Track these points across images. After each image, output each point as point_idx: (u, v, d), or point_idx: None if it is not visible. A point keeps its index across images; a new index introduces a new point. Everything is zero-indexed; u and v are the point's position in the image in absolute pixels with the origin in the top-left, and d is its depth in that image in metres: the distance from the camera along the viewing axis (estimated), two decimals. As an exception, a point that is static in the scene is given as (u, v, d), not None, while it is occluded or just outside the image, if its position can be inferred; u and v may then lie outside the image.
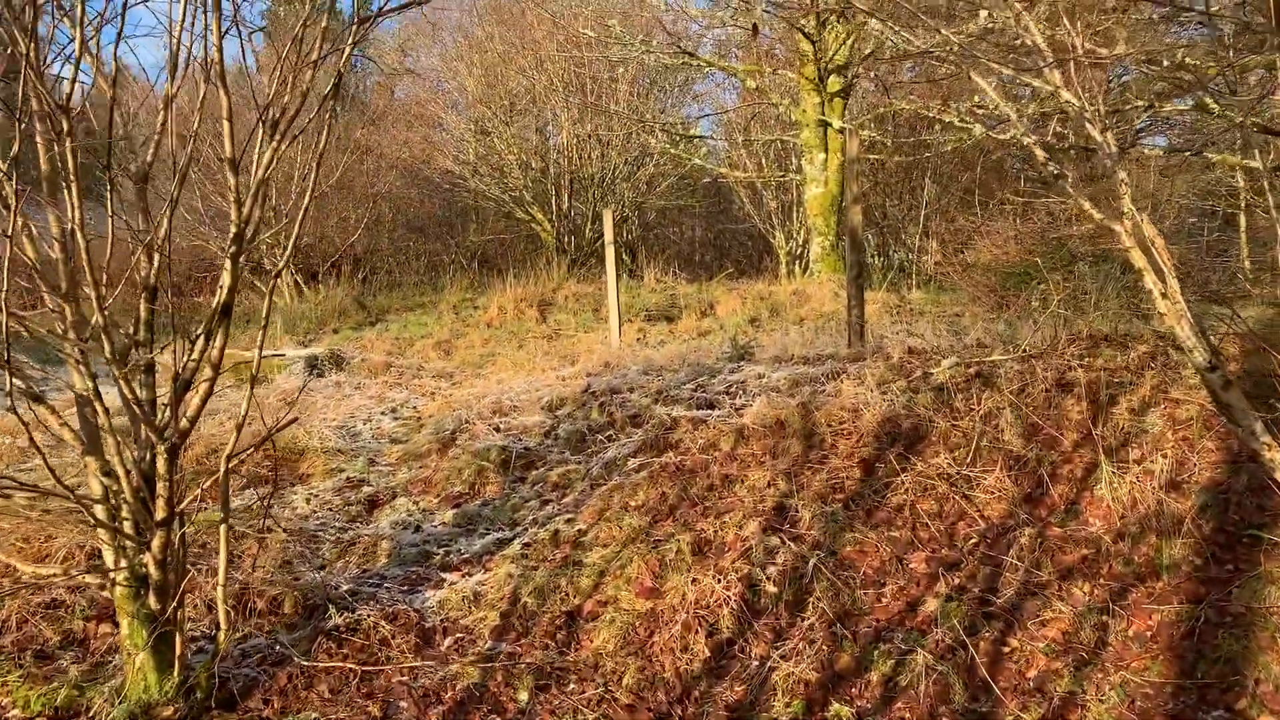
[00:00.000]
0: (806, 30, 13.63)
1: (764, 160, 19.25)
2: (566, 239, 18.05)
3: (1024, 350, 5.39)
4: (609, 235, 8.96)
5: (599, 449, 5.40)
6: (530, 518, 4.72)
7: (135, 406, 3.26)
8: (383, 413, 6.85)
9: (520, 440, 5.68)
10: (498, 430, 5.82)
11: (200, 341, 3.52)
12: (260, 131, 3.29)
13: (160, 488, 3.25)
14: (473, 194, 18.80)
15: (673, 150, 16.56)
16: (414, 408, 7.09)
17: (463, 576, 4.21)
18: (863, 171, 7.10)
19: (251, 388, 3.43)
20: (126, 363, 3.65)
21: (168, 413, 3.39)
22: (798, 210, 19.51)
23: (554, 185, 17.92)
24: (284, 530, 4.51)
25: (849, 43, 14.27)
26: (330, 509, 5.06)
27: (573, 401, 6.21)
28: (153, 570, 3.28)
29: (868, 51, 14.47)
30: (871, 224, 21.19)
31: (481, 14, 18.97)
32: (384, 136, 18.05)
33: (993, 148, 17.74)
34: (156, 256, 3.56)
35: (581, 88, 17.04)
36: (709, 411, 5.46)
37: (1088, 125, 4.17)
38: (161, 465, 3.26)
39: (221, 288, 3.35)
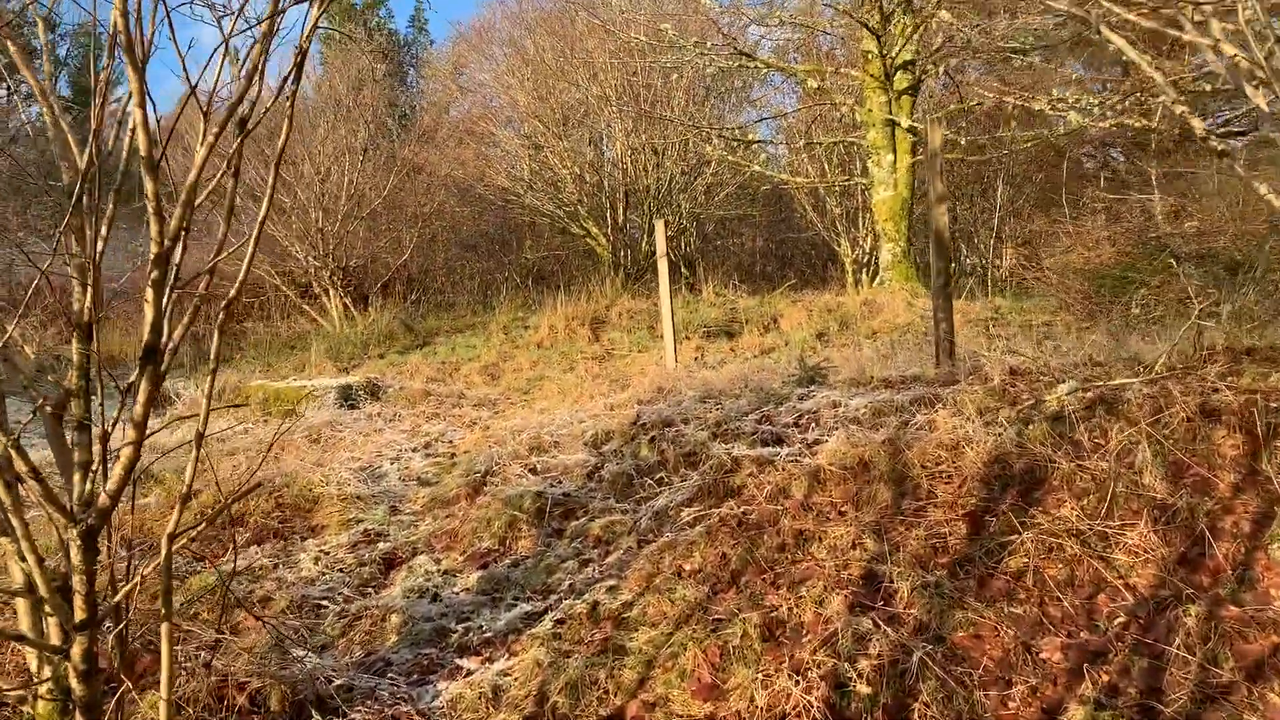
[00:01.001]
0: (871, 25, 12.70)
1: (826, 165, 18.34)
2: (622, 253, 17.32)
3: (1159, 369, 4.44)
4: (661, 248, 8.17)
5: (648, 495, 4.59)
6: (566, 583, 3.93)
7: (34, 478, 2.55)
8: (414, 449, 6.14)
9: (559, 483, 4.90)
10: (534, 471, 5.05)
11: (141, 391, 2.79)
12: (203, 126, 2.57)
13: (77, 582, 2.54)
14: (527, 210, 18.21)
15: (730, 158, 15.73)
16: (450, 441, 6.38)
17: (482, 663, 3.43)
18: (938, 172, 6.20)
19: (198, 447, 2.70)
20: (62, 418, 2.93)
21: (96, 482, 2.68)
22: (863, 216, 18.53)
23: (608, 198, 17.22)
24: (257, 616, 3.78)
25: (916, 36, 13.30)
26: (341, 570, 4.33)
27: (620, 435, 5.42)
28: (75, 684, 2.57)
29: (936, 46, 13.49)
30: (958, 232, 20.05)
31: (532, 26, 18.40)
32: (436, 154, 17.57)
33: (1073, 145, 16.56)
34: (90, 286, 2.84)
35: (635, 97, 16.32)
36: (777, 449, 4.61)
37: (1246, 88, 3.24)
38: (76, 555, 2.54)
39: (144, 325, 2.62)
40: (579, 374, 8.64)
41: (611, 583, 3.80)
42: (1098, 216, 11.07)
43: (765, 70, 15.54)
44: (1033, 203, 20.39)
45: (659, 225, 8.22)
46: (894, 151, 13.49)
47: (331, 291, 13.03)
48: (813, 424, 4.89)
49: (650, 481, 4.68)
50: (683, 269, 20.79)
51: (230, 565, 4.36)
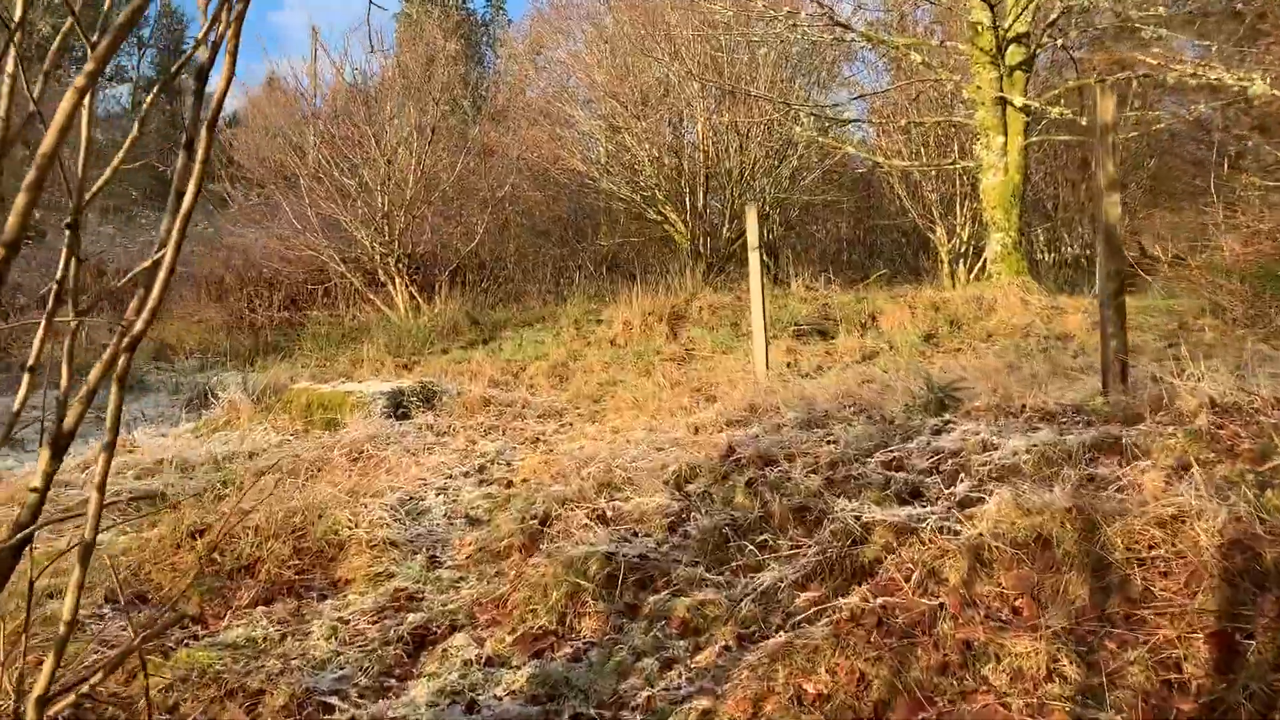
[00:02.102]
0: (984, -9, 11.34)
1: (921, 147, 16.94)
2: (701, 240, 16.21)
3: None
4: (753, 238, 7.08)
5: (749, 563, 3.54)
6: (643, 694, 2.91)
7: None
8: (466, 473, 5.20)
9: (634, 538, 3.89)
10: (603, 520, 4.04)
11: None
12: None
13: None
14: (602, 194, 17.25)
15: (822, 139, 14.47)
16: (507, 464, 5.43)
17: (526, 827, 2.45)
18: (1109, 150, 4.99)
19: (83, 565, 1.75)
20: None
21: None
22: (962, 204, 17.08)
23: (688, 182, 16.13)
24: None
25: (1031, 5, 11.88)
26: (361, 648, 3.39)
27: (709, 472, 4.38)
28: None
29: (1053, 16, 12.02)
30: (1041, 216, 18.48)
31: (611, 1, 17.36)
32: (509, 136, 16.70)
33: (1190, 130, 14.85)
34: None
35: (719, 73, 15.18)
36: (917, 509, 3.52)
37: None
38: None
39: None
40: (656, 380, 7.62)
41: (705, 703, 2.77)
42: (1252, 207, 9.59)
43: (859, 45, 14.26)
44: (1144, 189, 18.65)
45: (750, 212, 7.12)
46: (1005, 132, 12.11)
47: (397, 279, 12.25)
48: (960, 473, 3.78)
49: (750, 545, 3.63)
50: (764, 258, 19.58)
51: (223, 634, 3.46)
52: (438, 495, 4.75)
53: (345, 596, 3.83)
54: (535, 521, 4.14)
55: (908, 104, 15.39)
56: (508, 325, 10.92)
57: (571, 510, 4.10)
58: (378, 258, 12.25)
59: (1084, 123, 11.94)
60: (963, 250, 17.22)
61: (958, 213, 17.08)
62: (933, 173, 16.82)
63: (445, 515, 4.54)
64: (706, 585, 3.44)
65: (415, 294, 12.32)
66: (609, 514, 4.10)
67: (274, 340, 10.88)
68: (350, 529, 4.18)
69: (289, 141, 12.61)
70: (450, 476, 5.11)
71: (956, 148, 16.55)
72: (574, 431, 6.04)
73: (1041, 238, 18.68)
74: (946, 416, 4.58)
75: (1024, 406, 4.51)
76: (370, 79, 13.45)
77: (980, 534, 3.19)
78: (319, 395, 6.43)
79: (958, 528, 3.28)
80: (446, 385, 7.29)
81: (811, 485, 3.89)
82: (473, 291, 13.63)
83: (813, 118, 15.38)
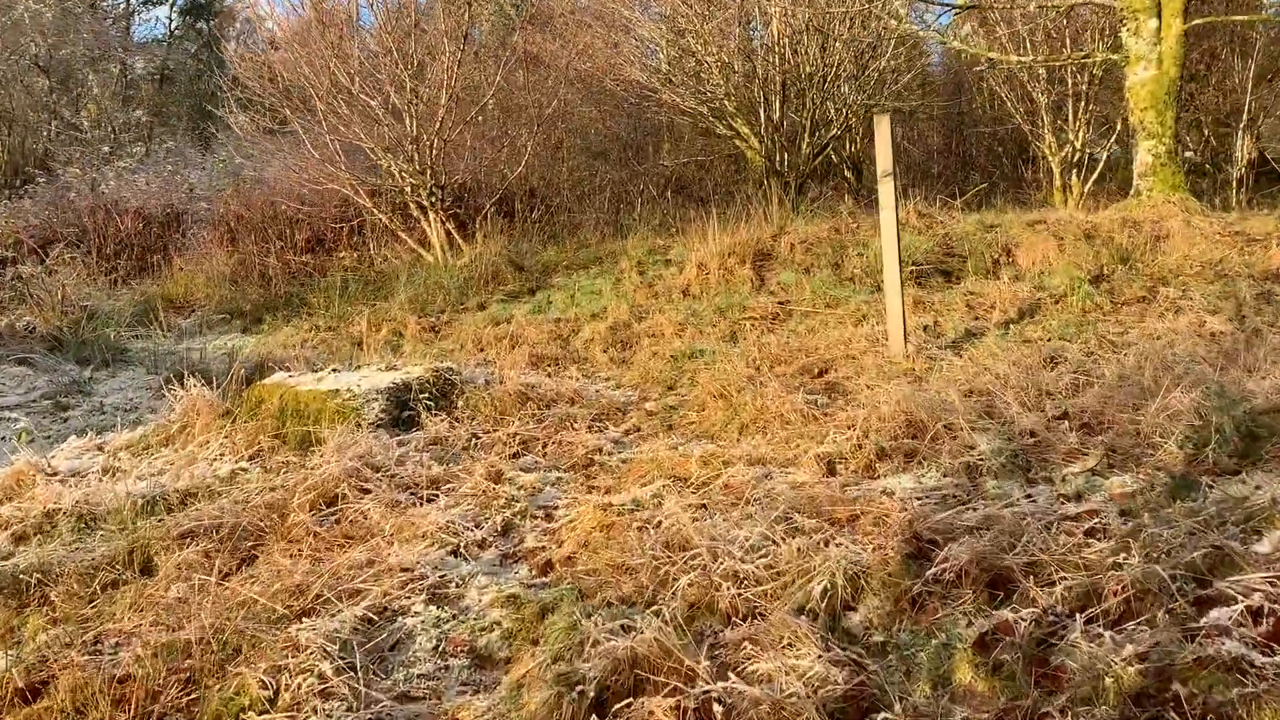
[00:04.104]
0: None
1: (1028, 42, 14.31)
2: (778, 157, 13.88)
3: None
4: (885, 161, 4.94)
5: None
6: None
7: None
8: (481, 541, 3.31)
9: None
10: (704, 715, 2.12)
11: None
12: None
13: None
14: (664, 108, 14.94)
15: (925, 34, 11.94)
16: (546, 516, 3.53)
17: None
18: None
19: None
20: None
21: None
22: (1075, 106, 14.50)
23: (762, 90, 13.71)
24: None
25: None
26: None
27: (887, 596, 2.42)
28: None
29: None
30: (1191, 121, 15.68)
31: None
32: (557, 44, 14.42)
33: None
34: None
35: (799, -42, 12.63)
36: None
37: None
38: None
39: None
40: (747, 350, 5.62)
41: None
42: None
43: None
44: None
45: (882, 123, 4.94)
46: (1158, 14, 9.53)
47: (431, 215, 10.30)
48: None
49: None
50: (847, 172, 17.15)
51: None
52: (428, 603, 2.87)
53: None
54: (583, 698, 2.24)
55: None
56: (558, 269, 8.93)
57: (648, 690, 2.18)
58: (408, 189, 10.29)
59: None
60: (1075, 159, 14.67)
61: (1070, 117, 14.49)
62: (1041, 73, 14.21)
63: (436, 649, 2.66)
64: None
65: (453, 231, 10.36)
66: (719, 696, 2.16)
67: (289, 292, 9.07)
68: (264, 709, 2.33)
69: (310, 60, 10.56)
70: (456, 552, 3.22)
71: (1067, 41, 13.90)
72: (643, 448, 4.10)
73: (1193, 145, 15.93)
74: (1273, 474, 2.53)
75: None
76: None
77: None
78: (295, 397, 4.59)
79: None
80: (472, 369, 5.38)
81: (1129, 680, 1.89)
82: (521, 223, 11.64)
83: (909, 7, 12.77)
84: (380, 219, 10.42)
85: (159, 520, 3.67)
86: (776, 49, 13.70)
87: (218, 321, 8.36)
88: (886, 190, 4.92)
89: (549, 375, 5.45)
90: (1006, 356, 4.71)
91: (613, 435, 4.47)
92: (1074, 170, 14.64)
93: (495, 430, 4.48)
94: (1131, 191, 9.73)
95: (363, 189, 10.34)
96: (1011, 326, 5.64)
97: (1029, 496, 2.79)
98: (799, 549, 2.65)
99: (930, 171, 17.36)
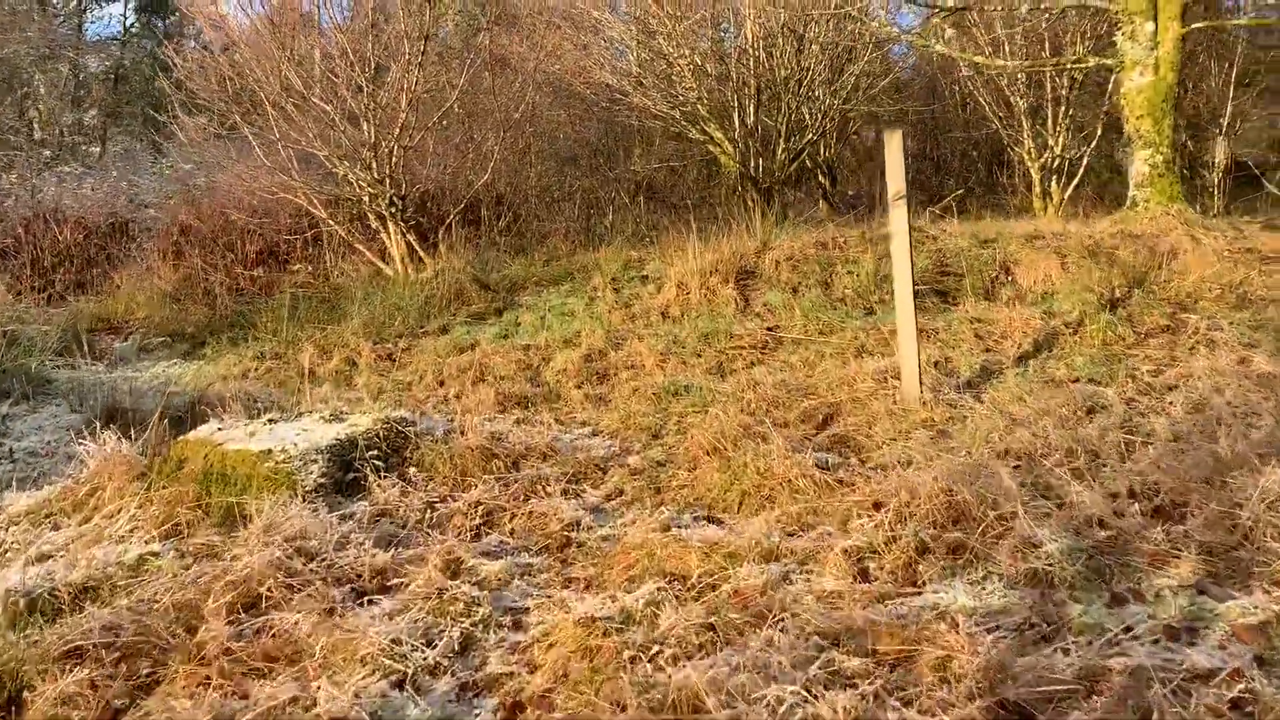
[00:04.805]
0: None
1: (1007, 45, 13.89)
2: (752, 162, 13.28)
3: None
4: (897, 180, 4.33)
5: None
6: None
7: None
8: (431, 669, 2.64)
9: None
10: None
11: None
12: None
13: None
14: (636, 112, 14.27)
15: (907, 36, 11.40)
16: (514, 624, 2.87)
17: None
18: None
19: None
20: None
21: None
22: (1055, 111, 14.09)
23: (735, 93, 13.10)
24: None
25: None
26: None
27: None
28: None
29: None
30: (1186, 125, 15.27)
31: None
32: (525, 46, 13.70)
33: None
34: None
35: (775, -42, 12.05)
36: None
37: None
38: None
39: None
40: (738, 389, 4.99)
41: None
42: None
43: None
44: (1258, 93, 15.33)
45: (893, 140, 4.33)
46: (1155, 18, 9.04)
47: (391, 225, 9.56)
48: None
49: None
50: (821, 178, 16.59)
51: None
52: (365, 772, 2.21)
53: None
54: None
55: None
56: (526, 285, 8.24)
57: None
58: (366, 199, 9.54)
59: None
60: (1055, 165, 14.24)
61: (1050, 122, 14.05)
62: (1020, 78, 13.76)
63: None
64: None
65: (414, 243, 9.62)
66: None
67: (236, 311, 8.29)
68: None
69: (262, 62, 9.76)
70: (402, 684, 2.55)
71: (1047, 46, 13.47)
72: (629, 523, 3.45)
73: (1190, 148, 15.58)
74: None
75: None
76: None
77: None
78: (223, 458, 3.88)
79: None
80: (430, 415, 4.70)
81: None
82: (488, 233, 10.92)
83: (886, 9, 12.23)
84: (337, 230, 9.66)
85: (41, 628, 2.96)
86: (751, 52, 13.11)
87: (157, 345, 7.58)
88: (900, 214, 4.31)
89: (518, 422, 4.77)
90: (1034, 403, 4.13)
91: (592, 501, 3.82)
92: (1053, 176, 14.22)
93: (455, 497, 3.81)
94: (1127, 203, 9.25)
95: (319, 198, 9.58)
96: (1030, 362, 5.07)
97: (1127, 629, 2.18)
98: (844, 711, 2.01)
99: (905, 177, 16.84)
